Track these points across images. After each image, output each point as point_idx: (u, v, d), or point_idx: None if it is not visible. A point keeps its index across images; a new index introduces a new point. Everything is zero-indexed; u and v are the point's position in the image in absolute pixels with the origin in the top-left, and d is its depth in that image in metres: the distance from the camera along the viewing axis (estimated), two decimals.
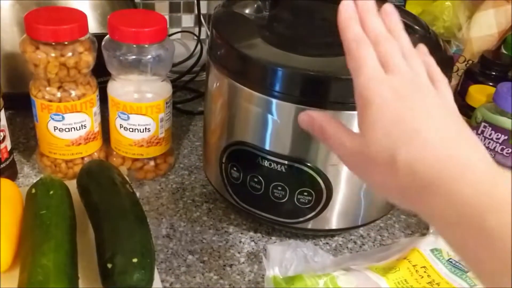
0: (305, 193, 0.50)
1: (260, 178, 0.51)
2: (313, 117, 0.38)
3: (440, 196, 0.28)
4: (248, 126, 0.51)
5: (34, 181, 0.60)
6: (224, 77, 0.51)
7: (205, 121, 0.59)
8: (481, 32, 0.75)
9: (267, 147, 0.50)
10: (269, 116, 0.49)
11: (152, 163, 0.62)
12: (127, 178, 0.55)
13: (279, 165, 0.50)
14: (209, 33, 0.93)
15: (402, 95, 0.32)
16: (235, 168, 0.53)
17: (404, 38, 0.36)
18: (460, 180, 0.28)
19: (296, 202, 0.51)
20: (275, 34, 0.52)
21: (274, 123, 0.49)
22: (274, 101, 0.48)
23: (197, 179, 0.64)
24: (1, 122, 0.55)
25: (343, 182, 0.50)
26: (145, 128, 0.58)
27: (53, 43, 0.52)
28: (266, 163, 0.50)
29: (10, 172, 0.59)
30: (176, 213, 0.58)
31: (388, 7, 0.37)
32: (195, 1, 0.88)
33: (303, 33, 0.54)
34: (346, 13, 0.36)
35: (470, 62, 0.77)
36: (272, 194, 0.51)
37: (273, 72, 0.47)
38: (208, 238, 0.55)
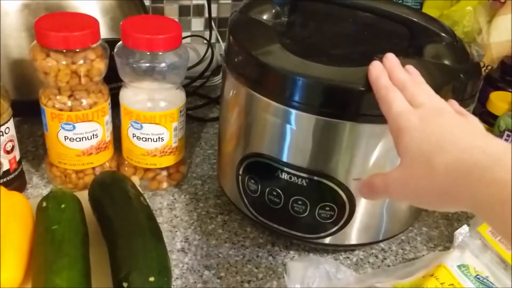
0: (327, 208, 0.48)
1: (279, 191, 0.49)
2: (372, 182, 0.39)
3: (478, 182, 0.31)
4: (266, 137, 0.50)
5: (44, 192, 0.59)
6: (241, 86, 0.50)
7: (220, 130, 0.58)
8: (501, 37, 0.73)
9: (286, 159, 0.48)
10: (288, 127, 0.47)
11: (164, 173, 0.60)
12: (140, 190, 0.53)
13: (299, 179, 0.48)
14: (219, 37, 0.92)
15: (429, 119, 0.37)
16: (252, 181, 0.51)
17: (428, 86, 0.41)
18: (496, 164, 0.31)
19: (317, 217, 0.49)
20: (294, 41, 0.50)
21: (293, 135, 0.47)
22: (293, 111, 0.46)
23: (211, 189, 0.62)
24: (10, 132, 0.53)
25: None
26: (159, 138, 0.56)
27: (64, 51, 0.50)
28: (285, 176, 0.48)
29: (19, 183, 0.57)
30: (191, 226, 0.56)
31: (411, 68, 0.43)
32: (206, 4, 0.86)
33: (323, 40, 0.52)
34: (376, 70, 0.42)
35: (490, 67, 0.75)
36: (292, 208, 0.49)
37: (293, 81, 0.45)
38: (224, 252, 0.53)
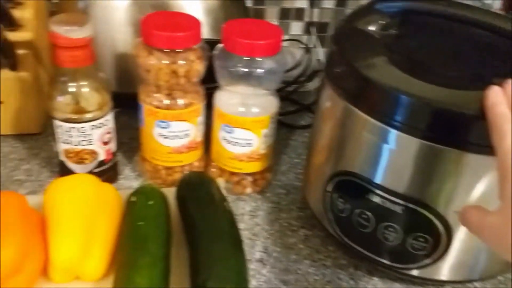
0: (420, 239, 0.45)
1: (370, 215, 0.46)
2: (467, 216, 0.37)
3: None
4: (361, 155, 0.47)
5: (134, 184, 0.60)
6: (339, 98, 0.47)
7: (311, 140, 0.56)
8: None
9: (380, 181, 0.45)
10: (386, 147, 0.44)
11: (250, 178, 0.59)
12: (225, 194, 0.52)
13: (393, 204, 0.45)
14: (317, 42, 0.89)
15: None
16: (341, 200, 0.48)
17: None
18: None
19: (408, 247, 0.45)
20: (402, 56, 0.47)
21: (391, 156, 0.44)
22: (394, 131, 0.43)
23: (295, 200, 0.60)
24: (109, 124, 0.55)
25: (465, 230, 0.44)
26: (247, 143, 0.56)
27: (167, 50, 0.51)
28: (378, 200, 0.45)
29: (112, 174, 0.59)
30: (271, 236, 0.55)
31: None
32: (308, 8, 0.84)
33: (434, 58, 0.48)
34: (495, 95, 0.37)
35: None
36: (382, 234, 0.46)
37: (397, 99, 0.42)
38: (303, 269, 0.51)
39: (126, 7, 0.66)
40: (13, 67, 0.60)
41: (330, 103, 0.49)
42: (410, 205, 0.44)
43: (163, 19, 0.52)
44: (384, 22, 0.49)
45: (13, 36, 0.58)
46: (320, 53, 0.87)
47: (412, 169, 0.43)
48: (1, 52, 0.55)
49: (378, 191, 0.45)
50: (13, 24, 0.58)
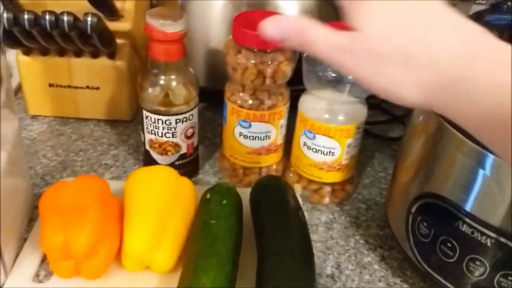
0: (510, 277, 0.40)
1: (455, 244, 0.42)
2: (288, 21, 0.32)
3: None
4: (452, 178, 0.43)
5: (212, 180, 0.60)
6: (434, 114, 0.44)
7: (399, 155, 0.52)
8: None
9: (471, 209, 0.41)
10: (481, 173, 0.40)
11: (328, 188, 0.57)
12: (300, 202, 0.51)
13: (483, 236, 0.40)
14: None
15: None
16: (425, 224, 0.45)
17: None
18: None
19: (496, 285, 0.41)
20: None
21: (486, 183, 0.40)
22: (492, 156, 0.39)
23: (375, 216, 0.57)
24: (193, 119, 0.55)
25: None
26: (330, 152, 0.53)
27: (255, 50, 0.50)
28: (466, 229, 0.41)
29: (192, 168, 0.60)
30: (346, 252, 0.52)
31: None
32: None
33: None
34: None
35: None
36: (467, 267, 0.42)
37: None
38: None
39: (222, 5, 0.67)
40: (111, 55, 0.63)
41: (424, 117, 0.46)
42: (502, 240, 0.39)
43: (255, 18, 0.51)
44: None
45: (113, 26, 0.60)
46: None
47: (509, 200, 0.39)
48: (102, 42, 0.57)
49: (467, 220, 0.41)
50: (114, 14, 0.60)
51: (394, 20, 0.29)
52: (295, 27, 0.31)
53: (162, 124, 0.53)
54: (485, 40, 0.29)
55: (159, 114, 0.53)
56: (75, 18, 0.53)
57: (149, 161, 0.57)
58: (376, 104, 0.76)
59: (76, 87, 0.65)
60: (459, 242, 0.42)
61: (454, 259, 0.43)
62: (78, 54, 0.63)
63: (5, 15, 0.51)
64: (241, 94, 0.53)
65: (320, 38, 0.30)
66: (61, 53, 0.62)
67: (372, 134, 0.70)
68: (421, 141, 0.47)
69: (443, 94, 0.29)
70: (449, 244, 0.43)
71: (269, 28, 0.32)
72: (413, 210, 0.46)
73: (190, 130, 0.56)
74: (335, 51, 0.30)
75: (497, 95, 0.27)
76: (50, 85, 0.65)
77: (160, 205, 0.46)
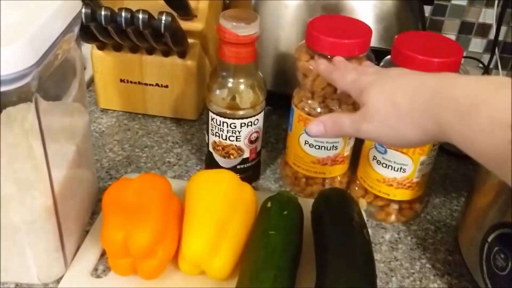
0: None
1: None
2: (324, 120, 0.42)
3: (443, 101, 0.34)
4: None
5: (273, 186, 0.59)
6: None
7: (477, 177, 0.49)
8: None
9: None
10: None
11: (396, 206, 0.54)
12: (365, 219, 0.48)
13: None
14: (499, 63, 0.79)
15: (385, 71, 0.41)
16: (502, 256, 0.41)
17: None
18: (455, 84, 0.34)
19: None
20: None
21: None
22: None
23: (444, 240, 0.53)
24: (258, 124, 0.54)
25: None
26: (400, 168, 0.50)
27: (329, 56, 0.48)
28: None
29: (253, 172, 0.58)
30: (410, 276, 0.49)
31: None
32: (494, 25, 0.74)
33: None
34: (322, 63, 0.46)
35: None
36: None
37: None
38: None
39: (296, 7, 0.65)
40: (182, 54, 0.63)
41: None
42: None
43: (331, 23, 0.50)
44: None
45: (186, 25, 0.60)
46: (500, 75, 0.76)
47: None
48: (174, 41, 0.57)
49: None
50: (188, 14, 0.60)
51: (386, 92, 0.38)
52: (329, 121, 0.42)
53: (227, 127, 0.53)
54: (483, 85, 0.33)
55: (224, 117, 0.52)
56: (150, 16, 0.53)
57: (211, 162, 0.57)
58: None
59: (146, 84, 0.66)
60: None
61: None
62: (150, 51, 0.63)
63: (83, 10, 0.52)
64: (309, 102, 0.52)
65: (346, 122, 0.40)
66: (134, 50, 0.63)
67: (446, 151, 0.66)
68: None
69: (441, 135, 0.34)
70: None
71: (313, 129, 0.42)
72: (489, 239, 0.42)
73: (254, 135, 0.55)
74: (357, 124, 0.39)
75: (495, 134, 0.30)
76: (121, 80, 0.66)
77: (221, 210, 0.45)
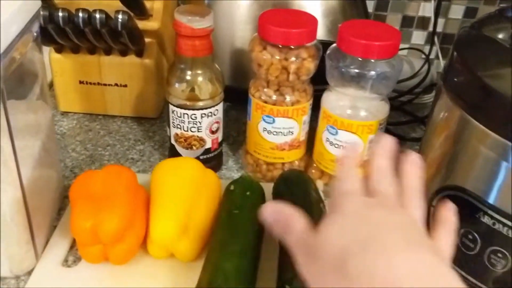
0: None
1: (477, 236, 0.42)
2: (279, 209, 0.36)
3: None
4: (474, 171, 0.43)
5: (235, 175, 0.62)
6: (456, 108, 0.44)
7: (420, 150, 0.53)
8: None
9: (493, 201, 0.41)
10: (504, 165, 0.40)
11: None
12: (322, 195, 0.51)
13: (504, 227, 0.40)
14: (440, 53, 0.85)
15: (368, 208, 0.32)
16: None
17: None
18: None
19: None
20: None
21: (508, 175, 0.40)
22: None
23: None
24: (218, 114, 0.57)
25: None
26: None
27: (280, 46, 0.51)
28: (488, 221, 0.41)
29: (216, 163, 0.61)
30: None
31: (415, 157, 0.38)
32: (432, 17, 0.80)
33: None
34: (348, 151, 0.40)
35: None
36: (488, 259, 0.42)
37: None
38: None
39: (248, 5, 0.68)
40: (139, 53, 0.65)
41: (446, 113, 0.46)
42: None
43: (280, 16, 0.53)
44: None
45: (142, 24, 0.62)
46: (442, 65, 0.82)
47: None
48: (132, 39, 0.59)
49: (489, 211, 0.41)
50: (144, 14, 0.63)
51: (345, 232, 0.30)
52: (283, 216, 0.35)
53: (188, 118, 0.55)
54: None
55: (185, 109, 0.55)
56: (107, 15, 0.55)
57: (174, 155, 0.59)
58: (399, 106, 0.76)
59: (105, 85, 0.67)
60: (480, 234, 0.42)
61: (476, 251, 0.43)
62: (108, 52, 0.65)
63: (41, 12, 0.54)
64: (265, 90, 0.55)
65: (295, 232, 0.33)
66: (92, 51, 0.65)
67: (395, 135, 0.70)
68: (443, 137, 0.47)
69: None
70: (470, 237, 0.43)
71: (266, 211, 0.36)
72: (434, 203, 0.46)
73: (215, 125, 0.57)
74: (301, 246, 0.32)
75: None
76: (81, 82, 0.67)
77: (186, 194, 0.48)
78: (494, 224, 0.41)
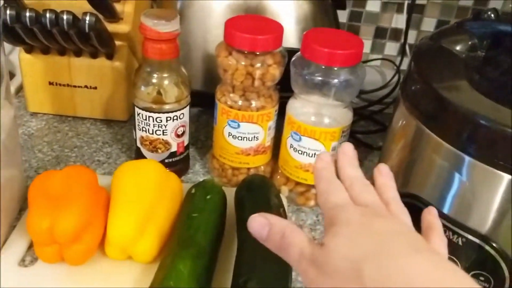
0: (481, 278, 0.41)
1: None
2: (272, 222, 0.34)
3: None
4: (428, 180, 0.44)
5: (201, 179, 0.62)
6: (412, 118, 0.45)
7: (380, 158, 0.53)
8: None
9: (446, 210, 0.42)
10: (457, 176, 0.41)
11: (314, 191, 0.58)
12: (284, 202, 0.52)
13: (456, 236, 0.41)
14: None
15: (371, 218, 0.32)
16: None
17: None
18: None
19: None
20: (486, 80, 0.44)
21: (461, 185, 0.41)
22: (468, 159, 0.40)
23: None
24: (184, 118, 0.57)
25: None
26: (315, 154, 0.55)
27: (246, 52, 0.52)
28: None
29: (182, 166, 0.61)
30: None
31: (384, 168, 0.39)
32: (404, 30, 0.81)
33: None
34: (322, 162, 0.38)
35: None
36: None
37: (475, 124, 0.39)
38: None
39: (220, 10, 0.69)
40: (109, 56, 0.65)
41: (403, 121, 0.47)
42: (475, 240, 0.40)
43: (247, 22, 0.54)
44: (472, 43, 0.46)
45: (112, 27, 0.62)
46: None
47: (484, 202, 0.40)
48: (100, 42, 0.59)
49: (442, 220, 0.42)
50: (114, 16, 0.63)
51: (353, 244, 0.30)
52: (278, 229, 0.33)
53: (153, 121, 0.55)
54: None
55: (150, 112, 0.55)
56: (75, 17, 0.55)
57: (140, 158, 0.59)
58: (369, 115, 0.77)
59: (75, 86, 0.67)
60: None
61: None
62: (78, 54, 0.65)
63: (8, 12, 0.54)
64: (231, 95, 0.55)
65: (296, 245, 0.32)
66: (62, 52, 0.65)
67: (363, 143, 0.72)
68: (400, 145, 0.48)
69: None
70: None
71: (255, 225, 0.34)
72: None
73: (181, 129, 0.57)
74: (304, 260, 0.31)
75: None
76: (50, 83, 0.67)
77: (145, 196, 0.48)
78: (445, 232, 0.42)
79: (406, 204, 0.45)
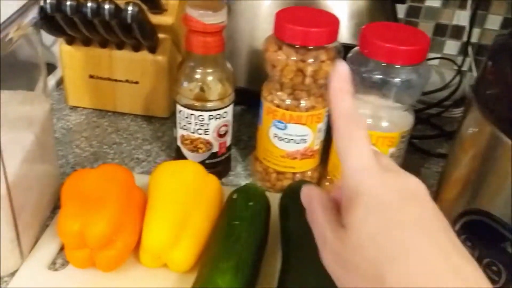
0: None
1: (502, 268, 0.38)
2: (311, 194, 0.32)
3: None
4: (503, 195, 0.38)
5: (242, 182, 0.58)
6: (487, 123, 0.40)
7: (445, 169, 0.48)
8: None
9: None
10: None
11: None
12: None
13: None
14: (473, 65, 0.79)
15: (395, 200, 0.27)
16: (469, 244, 0.40)
17: None
18: None
19: None
20: None
21: None
22: None
23: None
24: (227, 117, 0.53)
25: None
26: None
27: (297, 46, 0.47)
28: None
29: (223, 168, 0.57)
30: None
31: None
32: (467, 27, 0.75)
33: None
34: (339, 81, 0.31)
35: None
36: None
37: None
38: None
39: (269, 5, 0.65)
40: (152, 49, 0.62)
41: (475, 127, 0.42)
42: None
43: (299, 14, 0.49)
44: None
45: (156, 19, 0.59)
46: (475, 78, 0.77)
47: None
48: (143, 34, 0.56)
49: None
50: (158, 7, 0.60)
51: (377, 233, 0.26)
52: (307, 199, 0.32)
53: (195, 119, 0.52)
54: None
55: (192, 109, 0.51)
56: (117, 7, 0.53)
57: (179, 157, 0.55)
58: (427, 119, 0.71)
59: (116, 80, 0.65)
60: (506, 266, 0.37)
61: (500, 285, 0.38)
62: (120, 46, 0.62)
63: (48, 0, 0.51)
64: (278, 93, 0.51)
65: (319, 223, 0.30)
66: (103, 44, 0.62)
67: (420, 149, 0.66)
68: (471, 155, 0.42)
69: None
70: (494, 268, 0.38)
71: (302, 194, 0.33)
72: (456, 228, 0.41)
73: (223, 128, 0.54)
74: (329, 251, 0.29)
75: None
76: (91, 76, 0.65)
77: (183, 201, 0.44)
78: None
79: (475, 222, 0.40)
